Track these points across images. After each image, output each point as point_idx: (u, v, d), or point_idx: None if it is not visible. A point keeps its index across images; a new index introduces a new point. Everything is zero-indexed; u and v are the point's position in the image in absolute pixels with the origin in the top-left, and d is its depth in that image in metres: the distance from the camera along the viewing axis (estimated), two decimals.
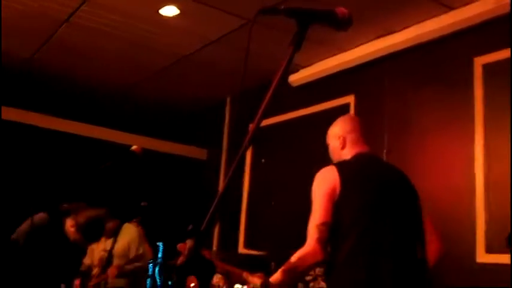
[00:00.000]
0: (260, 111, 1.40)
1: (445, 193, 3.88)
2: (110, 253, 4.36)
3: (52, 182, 3.71)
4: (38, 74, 6.26)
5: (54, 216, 3.62)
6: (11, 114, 5.99)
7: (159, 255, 6.50)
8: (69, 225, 3.65)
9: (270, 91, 1.42)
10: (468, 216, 3.71)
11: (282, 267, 2.24)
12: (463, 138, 3.90)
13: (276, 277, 2.25)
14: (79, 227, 3.62)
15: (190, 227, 1.32)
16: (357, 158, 2.45)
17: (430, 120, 4.21)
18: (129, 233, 4.82)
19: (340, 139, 2.55)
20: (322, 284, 3.85)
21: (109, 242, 4.57)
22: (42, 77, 6.36)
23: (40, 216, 3.58)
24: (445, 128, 4.08)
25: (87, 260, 4.85)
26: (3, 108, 5.92)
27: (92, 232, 3.70)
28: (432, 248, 2.39)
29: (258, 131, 1.37)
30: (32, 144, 6.11)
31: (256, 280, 2.33)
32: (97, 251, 4.79)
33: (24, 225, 3.58)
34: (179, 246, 1.51)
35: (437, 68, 4.25)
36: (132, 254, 4.82)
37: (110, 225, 4.63)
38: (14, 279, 3.48)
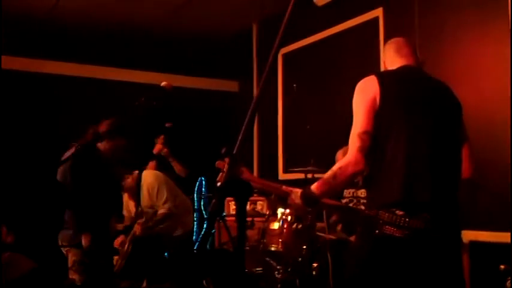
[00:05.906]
0: (281, 29, 1.38)
1: (478, 105, 3.72)
2: (138, 208, 4.40)
3: (88, 123, 3.76)
4: (62, 22, 6.27)
5: (88, 147, 3.69)
6: (47, 66, 6.13)
7: (203, 189, 6.66)
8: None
9: (290, 7, 1.40)
10: (503, 131, 3.59)
11: (323, 176, 2.23)
12: (499, 46, 3.71)
13: (315, 185, 2.25)
14: (104, 135, 3.70)
15: (223, 150, 1.34)
16: (400, 69, 2.38)
17: (463, 27, 4.04)
18: (144, 181, 4.56)
19: (390, 51, 2.46)
20: (361, 207, 3.84)
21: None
22: (66, 25, 6.36)
23: (75, 149, 3.66)
24: (480, 36, 3.91)
25: (125, 213, 4.77)
26: (41, 62, 6.04)
27: (120, 132, 3.75)
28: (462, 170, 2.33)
29: (280, 49, 1.35)
30: (64, 92, 6.19)
31: (297, 189, 2.33)
32: (131, 205, 4.68)
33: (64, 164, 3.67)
34: (218, 163, 1.52)
35: None
36: (155, 200, 4.55)
37: (128, 181, 4.52)
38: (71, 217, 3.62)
